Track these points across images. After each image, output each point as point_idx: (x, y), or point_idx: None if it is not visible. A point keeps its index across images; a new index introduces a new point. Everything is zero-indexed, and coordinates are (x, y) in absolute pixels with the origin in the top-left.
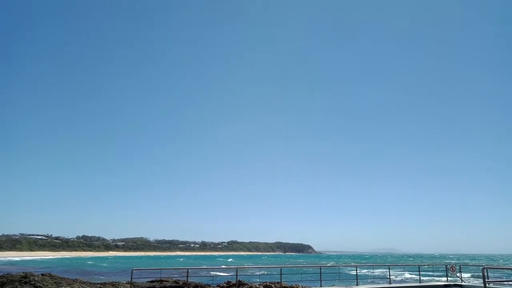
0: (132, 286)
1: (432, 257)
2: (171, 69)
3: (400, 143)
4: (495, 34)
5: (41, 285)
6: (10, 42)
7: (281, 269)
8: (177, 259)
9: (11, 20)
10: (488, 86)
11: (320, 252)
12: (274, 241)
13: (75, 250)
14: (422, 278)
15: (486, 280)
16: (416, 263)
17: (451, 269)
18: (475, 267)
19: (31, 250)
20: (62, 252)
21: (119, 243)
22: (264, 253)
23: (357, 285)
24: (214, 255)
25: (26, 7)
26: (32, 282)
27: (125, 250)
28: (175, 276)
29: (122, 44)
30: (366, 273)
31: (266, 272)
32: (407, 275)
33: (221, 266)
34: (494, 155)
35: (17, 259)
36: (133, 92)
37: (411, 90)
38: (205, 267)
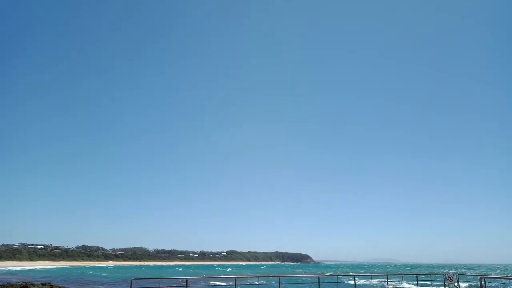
0: None
1: (430, 266)
2: (171, 79)
3: (399, 153)
4: (493, 44)
5: None
6: (13, 50)
7: (279, 279)
8: (176, 268)
9: (15, 29)
10: (488, 96)
11: (318, 262)
12: (273, 251)
13: (75, 260)
14: (420, 287)
15: None
16: (414, 272)
17: (449, 278)
18: (473, 277)
19: (31, 260)
20: (61, 262)
21: (119, 253)
22: (263, 263)
23: None
24: (213, 265)
25: (30, 16)
26: None
27: (125, 260)
28: (174, 285)
29: (124, 56)
30: (365, 282)
31: (264, 282)
32: (405, 284)
33: (220, 275)
34: (492, 165)
35: (17, 268)
36: (134, 102)
37: (410, 99)
38: (204, 276)
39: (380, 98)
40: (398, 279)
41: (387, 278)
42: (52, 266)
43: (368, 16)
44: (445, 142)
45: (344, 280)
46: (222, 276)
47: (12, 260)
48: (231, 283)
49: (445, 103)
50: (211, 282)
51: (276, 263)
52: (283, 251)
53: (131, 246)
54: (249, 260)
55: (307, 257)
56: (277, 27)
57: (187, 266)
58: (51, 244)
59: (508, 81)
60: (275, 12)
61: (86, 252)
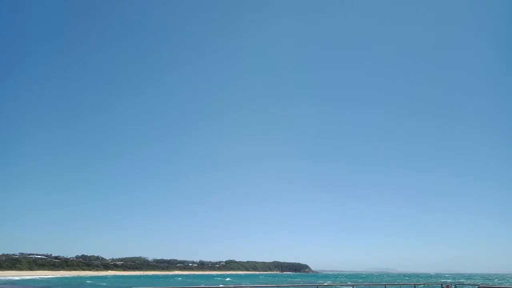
0: None
1: (428, 276)
2: (171, 90)
3: (395, 163)
4: (485, 55)
5: None
6: (14, 59)
7: None
8: (176, 278)
9: (16, 37)
10: (480, 107)
11: (317, 272)
12: (271, 261)
13: (74, 270)
14: None
15: None
16: (412, 282)
17: None
18: (470, 286)
19: (31, 270)
20: (61, 272)
21: (118, 263)
22: (261, 273)
23: None
24: (212, 274)
25: (31, 27)
26: None
27: (124, 270)
28: None
29: (125, 67)
30: None
31: None
32: None
33: (219, 285)
34: (488, 175)
35: (17, 278)
36: (134, 114)
37: (406, 111)
38: (203, 286)
39: (379, 109)
40: None
41: None
42: (52, 276)
43: (367, 27)
44: (441, 153)
45: None
46: (221, 285)
47: (12, 270)
48: None
49: (446, 114)
50: None
51: (274, 272)
52: (281, 260)
53: (131, 256)
54: (248, 270)
55: (306, 266)
56: (276, 38)
57: (186, 276)
58: (50, 254)
59: (508, 90)
60: (275, 22)
61: (86, 262)
